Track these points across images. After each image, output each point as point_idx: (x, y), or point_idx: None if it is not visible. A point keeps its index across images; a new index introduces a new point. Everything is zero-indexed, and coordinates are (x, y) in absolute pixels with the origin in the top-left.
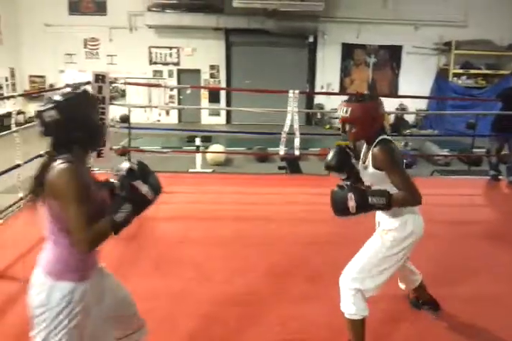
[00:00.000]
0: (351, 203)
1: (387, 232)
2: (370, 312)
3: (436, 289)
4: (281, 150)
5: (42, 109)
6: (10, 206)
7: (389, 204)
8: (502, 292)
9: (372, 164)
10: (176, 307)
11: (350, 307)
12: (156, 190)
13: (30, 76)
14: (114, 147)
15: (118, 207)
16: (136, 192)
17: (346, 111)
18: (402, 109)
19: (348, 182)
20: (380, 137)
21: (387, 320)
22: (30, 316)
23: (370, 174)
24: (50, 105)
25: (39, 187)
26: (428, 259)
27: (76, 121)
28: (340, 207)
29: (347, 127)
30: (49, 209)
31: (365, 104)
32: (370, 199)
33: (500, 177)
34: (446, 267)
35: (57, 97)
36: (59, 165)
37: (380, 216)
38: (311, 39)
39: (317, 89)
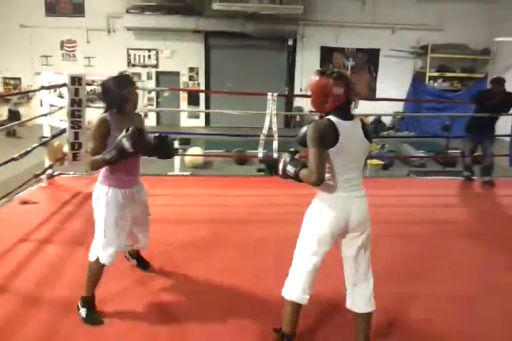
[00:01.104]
0: (280, 166)
1: (308, 211)
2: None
3: (412, 287)
4: (260, 152)
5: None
6: None
7: (297, 176)
8: (476, 289)
9: None
10: (154, 309)
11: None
12: (136, 147)
13: (5, 78)
14: None
15: (110, 151)
16: (120, 145)
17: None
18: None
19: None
20: (328, 116)
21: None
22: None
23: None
24: (100, 83)
25: None
26: (403, 258)
27: (107, 93)
28: (276, 168)
29: None
30: None
31: (321, 79)
32: (287, 166)
33: (473, 177)
34: (422, 266)
35: (105, 78)
36: (98, 116)
37: None
38: (290, 42)
39: (296, 92)
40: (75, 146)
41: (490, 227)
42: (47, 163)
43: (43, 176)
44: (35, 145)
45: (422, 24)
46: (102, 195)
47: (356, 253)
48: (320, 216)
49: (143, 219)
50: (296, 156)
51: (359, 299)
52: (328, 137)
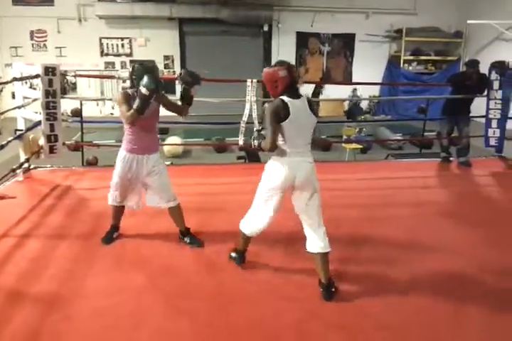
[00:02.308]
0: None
1: (265, 167)
2: None
3: (396, 268)
4: (241, 140)
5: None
6: None
7: (260, 147)
8: (458, 267)
9: None
10: (141, 302)
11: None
12: (150, 90)
13: None
14: (67, 142)
15: (136, 101)
16: (139, 93)
17: None
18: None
19: None
20: (280, 97)
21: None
22: None
23: None
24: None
25: None
26: (385, 239)
27: (132, 75)
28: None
29: None
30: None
31: (268, 69)
32: (254, 141)
33: (451, 158)
34: (404, 246)
35: (134, 64)
36: (122, 90)
37: None
38: (265, 28)
39: None
40: (52, 139)
41: (469, 206)
42: (22, 156)
43: (19, 170)
44: (10, 138)
45: (395, 8)
46: (119, 156)
47: (305, 205)
48: (273, 172)
49: (152, 181)
50: (262, 132)
51: (318, 242)
52: (280, 113)
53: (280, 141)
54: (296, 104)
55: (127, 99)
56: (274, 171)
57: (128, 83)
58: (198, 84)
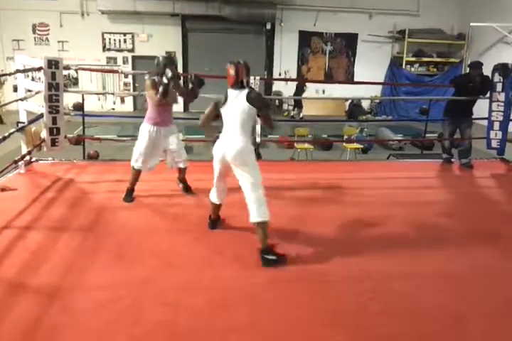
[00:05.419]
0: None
1: None
2: None
3: (399, 266)
4: None
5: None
6: None
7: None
8: (461, 268)
9: None
10: (141, 296)
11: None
12: (168, 79)
13: None
14: (69, 135)
15: (160, 88)
16: (161, 82)
17: None
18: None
19: None
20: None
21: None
22: None
23: None
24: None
25: None
26: (387, 239)
27: (157, 65)
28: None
29: None
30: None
31: (228, 66)
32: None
33: (452, 160)
34: (406, 246)
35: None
36: (149, 78)
37: None
38: (268, 26)
39: (275, 77)
40: (54, 131)
41: (470, 207)
42: (24, 149)
43: (21, 163)
44: (12, 130)
45: (398, 9)
46: (144, 128)
47: (240, 179)
48: (213, 149)
49: (171, 145)
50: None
51: (252, 214)
52: (220, 101)
53: (220, 123)
54: (235, 94)
55: (154, 85)
56: (214, 149)
57: (130, 78)
58: (202, 85)
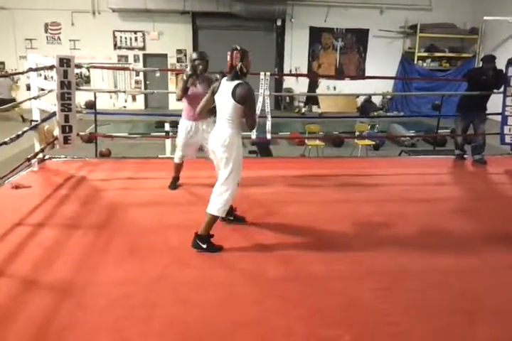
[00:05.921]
0: None
1: None
2: None
3: (410, 262)
4: (253, 134)
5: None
6: None
7: None
8: (473, 264)
9: None
10: (153, 293)
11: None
12: (187, 76)
13: None
14: (81, 133)
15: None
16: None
17: None
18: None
19: None
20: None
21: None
22: None
23: None
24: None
25: None
26: (399, 235)
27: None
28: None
29: None
30: None
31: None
32: None
33: (465, 156)
34: (418, 242)
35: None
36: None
37: None
38: (279, 23)
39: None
40: (66, 129)
41: (483, 204)
42: (37, 146)
43: (34, 160)
44: (25, 129)
45: (410, 4)
46: (182, 124)
47: (220, 167)
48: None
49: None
50: None
51: (212, 205)
52: (215, 88)
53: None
54: (226, 85)
55: (185, 80)
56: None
57: (141, 76)
58: None
